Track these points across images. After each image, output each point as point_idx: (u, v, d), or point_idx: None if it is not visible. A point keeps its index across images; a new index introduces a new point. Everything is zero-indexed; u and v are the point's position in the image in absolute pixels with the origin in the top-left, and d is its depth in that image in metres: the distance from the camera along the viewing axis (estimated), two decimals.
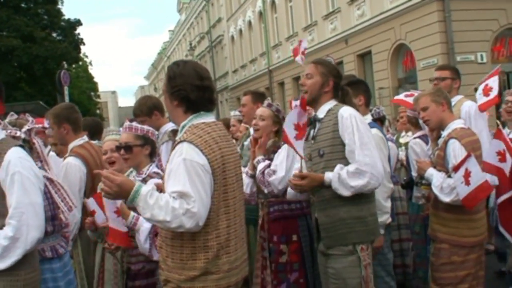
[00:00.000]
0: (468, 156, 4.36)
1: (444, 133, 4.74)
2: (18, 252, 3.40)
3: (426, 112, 4.82)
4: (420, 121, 5.76)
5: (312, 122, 4.36)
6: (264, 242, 5.14)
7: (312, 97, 4.30)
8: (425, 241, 6.53)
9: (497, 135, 5.03)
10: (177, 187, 3.18)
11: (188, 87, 3.38)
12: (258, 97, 6.32)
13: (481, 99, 5.59)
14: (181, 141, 3.29)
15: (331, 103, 4.29)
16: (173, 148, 3.36)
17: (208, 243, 3.31)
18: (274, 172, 4.94)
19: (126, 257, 4.40)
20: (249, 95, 6.35)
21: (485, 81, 5.72)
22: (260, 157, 5.12)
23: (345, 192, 4.02)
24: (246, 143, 6.17)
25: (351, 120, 4.06)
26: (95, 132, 7.05)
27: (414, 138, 6.71)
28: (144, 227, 4.08)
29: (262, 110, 5.27)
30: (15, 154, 3.52)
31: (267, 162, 5.07)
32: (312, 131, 4.35)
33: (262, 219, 5.23)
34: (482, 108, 5.51)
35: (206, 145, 3.27)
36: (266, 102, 5.39)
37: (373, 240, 4.30)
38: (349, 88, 4.53)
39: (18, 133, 4.14)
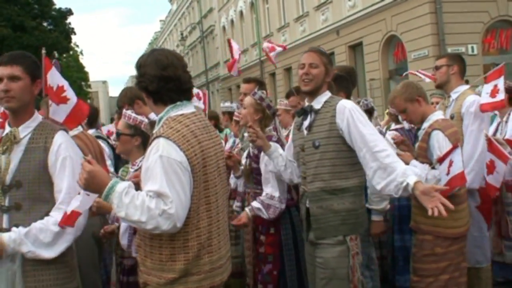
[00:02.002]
0: (454, 147, 4.36)
1: (425, 125, 4.70)
2: (69, 238, 3.41)
3: (405, 113, 4.81)
4: (399, 117, 5.80)
5: (305, 112, 4.28)
6: (251, 230, 5.16)
7: (317, 86, 4.21)
8: (391, 229, 6.61)
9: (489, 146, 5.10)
10: (153, 186, 2.98)
11: (147, 77, 3.19)
12: (262, 85, 5.91)
13: (487, 99, 5.29)
14: (157, 136, 3.08)
15: (327, 94, 4.24)
16: (149, 143, 3.16)
17: (188, 243, 3.12)
18: (272, 197, 4.75)
19: (119, 251, 4.38)
20: (253, 83, 5.87)
21: (492, 80, 5.45)
22: (251, 205, 4.83)
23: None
24: (246, 134, 5.94)
25: (353, 113, 3.98)
26: (93, 120, 7.08)
27: (391, 130, 6.84)
28: (123, 223, 4.02)
29: (246, 99, 5.14)
30: (64, 138, 3.52)
31: (257, 205, 4.77)
32: (305, 122, 4.26)
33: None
34: (483, 109, 5.23)
35: (184, 140, 3.06)
36: (252, 92, 5.17)
37: (361, 231, 4.29)
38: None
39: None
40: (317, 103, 4.22)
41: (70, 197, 3.39)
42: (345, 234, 4.06)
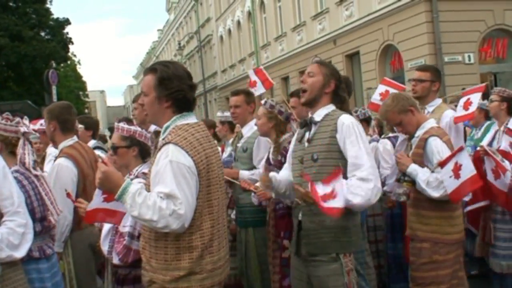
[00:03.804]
0: (460, 149, 4.37)
1: (419, 132, 4.73)
2: (30, 238, 3.64)
3: (401, 125, 4.84)
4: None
5: (306, 124, 4.21)
6: (273, 237, 5.20)
7: (312, 96, 4.16)
8: (387, 237, 6.69)
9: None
10: (164, 188, 3.19)
11: (186, 87, 3.43)
12: (251, 97, 6.13)
13: (460, 111, 5.60)
14: (166, 143, 3.29)
15: (329, 108, 4.17)
16: (158, 149, 3.35)
17: (193, 243, 3.32)
18: None
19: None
20: (242, 95, 6.04)
21: (468, 94, 5.72)
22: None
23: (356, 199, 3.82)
24: (239, 145, 6.03)
25: (354, 129, 3.94)
26: (94, 131, 7.28)
27: (383, 138, 6.91)
28: (105, 227, 4.08)
29: (259, 110, 5.27)
30: None
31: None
32: (307, 134, 4.19)
33: (269, 216, 5.29)
34: (456, 121, 5.50)
35: (191, 146, 3.29)
36: (263, 101, 5.38)
37: (354, 251, 4.22)
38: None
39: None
40: (318, 116, 4.16)
41: (19, 201, 3.61)
42: (337, 251, 3.99)
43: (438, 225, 4.57)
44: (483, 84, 5.89)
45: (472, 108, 5.50)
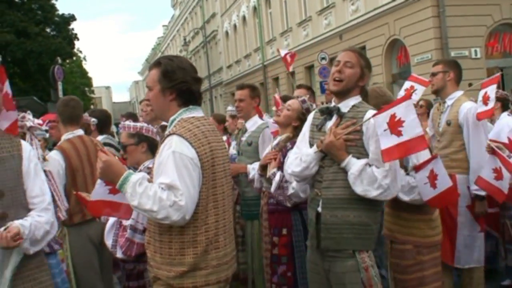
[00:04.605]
0: (433, 157, 4.25)
1: None
2: (49, 238, 3.58)
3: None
4: None
5: (329, 113, 4.03)
6: (265, 230, 5.17)
7: (347, 88, 3.96)
8: None
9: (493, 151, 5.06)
10: (165, 179, 3.15)
11: (190, 79, 3.41)
12: (255, 91, 6.19)
13: (481, 107, 5.39)
14: (170, 134, 3.27)
15: (357, 99, 4.00)
16: (162, 141, 3.34)
17: (197, 238, 3.28)
18: (289, 183, 4.78)
19: None
20: (247, 89, 6.13)
21: (485, 88, 5.53)
22: (273, 170, 4.91)
23: (359, 188, 3.76)
24: (243, 138, 6.07)
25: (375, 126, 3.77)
26: (104, 125, 7.02)
27: None
28: (109, 221, 4.08)
29: (292, 102, 5.07)
30: (28, 145, 3.68)
31: (280, 173, 4.85)
32: (328, 122, 4.02)
33: (262, 209, 5.25)
34: (479, 117, 5.33)
35: (196, 138, 3.26)
36: (301, 98, 5.15)
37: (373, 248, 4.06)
38: None
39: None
40: (345, 106, 3.99)
41: (50, 200, 3.59)
42: (357, 249, 3.88)
43: (418, 228, 4.43)
44: (497, 75, 5.74)
45: (491, 103, 5.34)
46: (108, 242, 4.10)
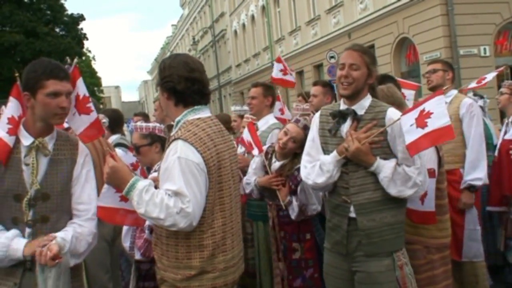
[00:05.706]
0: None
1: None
2: (90, 249, 3.48)
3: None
4: None
5: (343, 116, 3.92)
6: (276, 241, 5.13)
7: (357, 90, 3.85)
8: None
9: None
10: (172, 186, 3.12)
11: (175, 78, 3.29)
12: (269, 90, 6.22)
13: (472, 85, 5.89)
14: (175, 139, 3.22)
15: (369, 98, 3.91)
16: (167, 145, 3.30)
17: (203, 242, 3.25)
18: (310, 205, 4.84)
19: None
20: (260, 87, 6.17)
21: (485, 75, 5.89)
22: (288, 198, 4.86)
23: (394, 190, 3.70)
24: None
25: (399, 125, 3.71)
26: (116, 124, 6.82)
27: None
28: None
29: (295, 131, 4.83)
30: (86, 150, 3.56)
31: (295, 200, 4.83)
32: (343, 126, 3.92)
33: (273, 221, 5.17)
34: (465, 90, 5.79)
35: (201, 143, 3.19)
36: (295, 119, 5.02)
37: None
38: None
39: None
40: (360, 108, 3.89)
41: (95, 210, 3.44)
42: (398, 248, 3.84)
43: (425, 228, 4.40)
44: (440, 90, 5.86)
45: (485, 81, 5.76)
46: (126, 244, 4.11)
